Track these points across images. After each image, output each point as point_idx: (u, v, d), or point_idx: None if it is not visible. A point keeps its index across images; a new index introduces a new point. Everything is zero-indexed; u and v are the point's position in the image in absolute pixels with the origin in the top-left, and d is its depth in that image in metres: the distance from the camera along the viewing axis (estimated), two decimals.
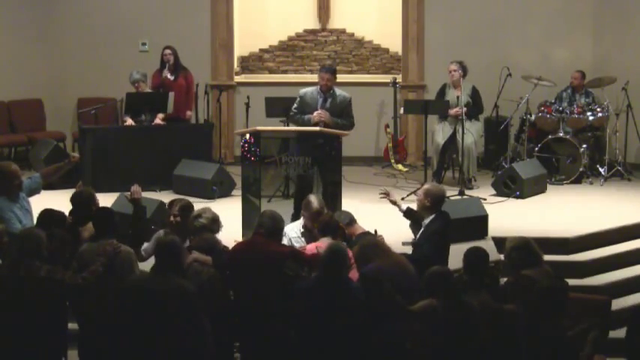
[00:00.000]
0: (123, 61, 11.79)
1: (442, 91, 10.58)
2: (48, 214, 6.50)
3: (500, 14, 11.86)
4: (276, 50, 12.65)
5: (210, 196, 9.70)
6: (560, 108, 10.87)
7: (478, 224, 8.33)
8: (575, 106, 10.93)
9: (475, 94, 10.45)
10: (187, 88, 10.91)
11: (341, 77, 11.82)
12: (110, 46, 12.12)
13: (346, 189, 8.59)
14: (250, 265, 6.12)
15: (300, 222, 7.21)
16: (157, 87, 10.70)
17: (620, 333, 5.93)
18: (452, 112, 10.24)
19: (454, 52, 11.13)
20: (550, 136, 10.76)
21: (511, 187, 9.97)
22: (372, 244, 6.27)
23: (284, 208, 7.72)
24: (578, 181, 10.65)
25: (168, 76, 10.74)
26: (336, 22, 12.58)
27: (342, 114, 8.64)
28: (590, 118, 10.85)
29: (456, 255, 6.48)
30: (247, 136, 8.08)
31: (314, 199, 7.06)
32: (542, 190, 10.24)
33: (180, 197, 7.13)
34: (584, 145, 10.69)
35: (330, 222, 6.68)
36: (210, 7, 12.05)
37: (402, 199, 8.10)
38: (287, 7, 12.58)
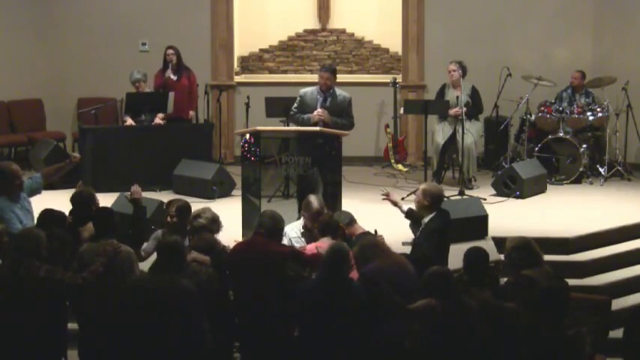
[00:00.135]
0: (123, 61, 11.79)
1: (442, 91, 10.58)
2: (48, 214, 6.50)
3: (500, 14, 11.86)
4: (276, 50, 12.65)
5: (210, 196, 9.70)
6: (560, 108, 10.87)
7: (478, 224, 8.33)
8: (575, 106, 10.93)
9: (475, 94, 10.45)
10: (190, 88, 10.90)
11: (341, 77, 11.82)
12: (110, 46, 12.12)
13: (346, 189, 8.59)
14: (250, 265, 6.12)
15: (300, 222, 7.22)
16: (160, 87, 10.69)
17: (620, 333, 5.93)
18: (451, 112, 10.24)
19: (454, 52, 11.13)
20: (550, 136, 10.76)
21: (511, 187, 9.97)
22: (372, 244, 6.28)
23: (284, 208, 7.72)
24: (578, 181, 10.65)
25: (171, 76, 10.72)
26: (336, 22, 12.58)
27: (342, 114, 8.64)
28: (590, 118, 10.86)
29: (456, 255, 6.49)
30: (247, 136, 8.08)
31: (314, 199, 7.06)
32: (542, 190, 10.24)
33: (178, 198, 7.13)
34: (584, 145, 10.69)
35: (330, 222, 6.68)
36: (210, 6, 12.05)
37: (402, 199, 8.09)
38: (287, 7, 12.58)
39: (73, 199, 6.84)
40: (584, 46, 11.88)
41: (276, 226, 6.30)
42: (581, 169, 10.64)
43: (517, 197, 9.86)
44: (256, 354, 6.20)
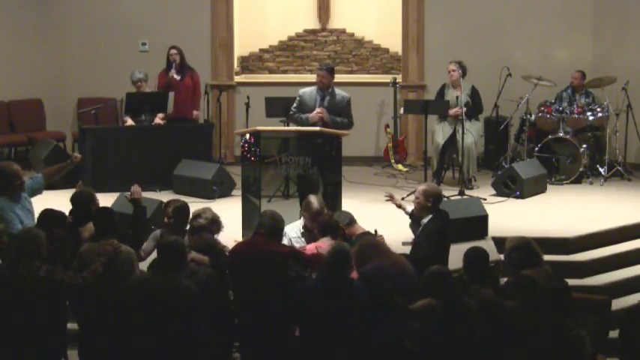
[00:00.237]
0: (123, 61, 11.80)
1: (441, 92, 10.58)
2: (48, 214, 6.50)
3: (500, 14, 11.86)
4: (276, 50, 12.65)
5: (210, 196, 9.70)
6: (560, 108, 10.87)
7: (478, 224, 8.33)
8: (575, 106, 10.93)
9: (474, 94, 10.45)
10: (194, 88, 10.91)
11: (341, 77, 11.87)
12: (110, 46, 12.12)
13: (346, 189, 8.59)
14: (250, 265, 6.12)
15: (300, 222, 7.22)
16: (163, 87, 10.68)
17: None
18: (451, 112, 10.24)
19: (454, 52, 11.13)
20: (550, 136, 10.76)
21: (511, 187, 9.97)
22: (371, 244, 6.28)
23: (284, 208, 7.72)
24: (578, 181, 10.66)
25: (175, 76, 10.72)
26: (336, 22, 12.58)
27: (341, 113, 8.64)
28: (590, 118, 10.85)
29: (456, 255, 6.49)
30: (247, 136, 8.08)
31: (314, 199, 7.07)
32: (542, 190, 10.24)
33: (176, 198, 7.13)
34: (584, 145, 10.69)
35: (329, 222, 6.68)
36: (210, 6, 12.05)
37: (402, 199, 8.10)
38: (287, 7, 12.58)
39: (73, 199, 6.84)
40: (584, 46, 11.88)
41: (276, 226, 6.30)
42: (581, 169, 10.64)
43: (517, 197, 9.86)
44: (256, 354, 6.20)
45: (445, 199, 7.86)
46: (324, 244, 6.41)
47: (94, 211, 6.56)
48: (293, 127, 8.79)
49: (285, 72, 12.57)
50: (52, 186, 7.71)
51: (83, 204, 6.72)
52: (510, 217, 9.10)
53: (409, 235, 7.32)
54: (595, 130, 11.00)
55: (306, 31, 12.62)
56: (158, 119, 10.49)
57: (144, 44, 12.14)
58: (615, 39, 11.72)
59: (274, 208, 6.83)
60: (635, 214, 9.15)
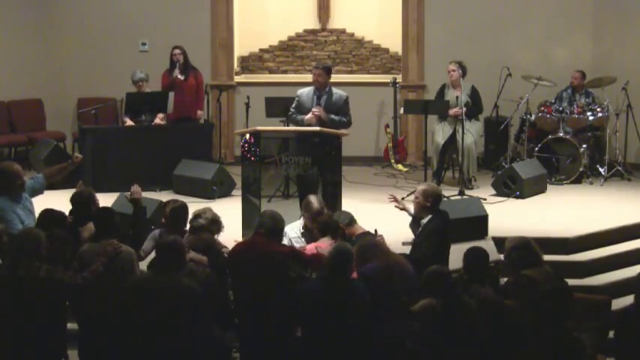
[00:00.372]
0: (123, 61, 11.80)
1: (441, 92, 10.58)
2: (48, 214, 6.51)
3: (500, 14, 11.86)
4: (276, 50, 12.65)
5: (210, 196, 9.69)
6: (560, 108, 10.87)
7: (478, 224, 8.33)
8: (575, 106, 10.93)
9: (474, 94, 10.45)
10: (197, 88, 10.91)
11: (341, 77, 11.89)
12: (110, 46, 12.12)
13: (346, 189, 8.59)
14: (250, 265, 6.12)
15: (300, 222, 7.22)
16: (167, 87, 10.68)
17: None
18: (451, 112, 10.23)
19: (454, 52, 11.13)
20: (550, 136, 10.76)
21: (511, 187, 9.97)
22: (371, 244, 6.28)
23: (284, 208, 7.72)
24: (578, 181, 10.65)
25: (179, 76, 10.71)
26: (336, 22, 12.58)
27: (339, 112, 8.64)
28: (590, 118, 10.85)
29: (456, 255, 6.49)
30: (247, 136, 8.09)
31: (314, 199, 7.07)
32: (542, 190, 10.24)
33: (175, 198, 7.13)
34: (584, 145, 10.69)
35: (329, 222, 6.68)
36: (210, 6, 12.06)
37: (402, 198, 8.10)
38: (287, 7, 12.58)
39: (73, 199, 6.84)
40: (584, 46, 11.88)
41: (276, 226, 6.30)
42: (581, 169, 10.64)
43: (517, 197, 9.86)
44: (256, 354, 6.20)
45: (445, 199, 7.86)
46: (324, 244, 6.41)
47: (95, 211, 6.56)
48: (293, 127, 8.80)
49: (285, 72, 12.58)
50: (52, 186, 7.71)
51: (83, 204, 6.73)
52: (510, 217, 9.10)
53: (409, 235, 7.31)
54: (595, 130, 11.00)
55: (306, 31, 12.62)
56: (158, 119, 10.49)
57: (144, 44, 12.14)
58: (615, 39, 11.72)
59: (274, 208, 6.83)
60: (635, 214, 9.15)
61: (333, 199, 7.85)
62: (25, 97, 12.07)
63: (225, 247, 6.63)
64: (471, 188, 10.19)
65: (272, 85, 11.97)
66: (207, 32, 12.09)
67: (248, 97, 11.49)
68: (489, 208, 8.73)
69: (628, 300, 7.67)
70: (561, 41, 11.90)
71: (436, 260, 6.17)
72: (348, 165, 9.67)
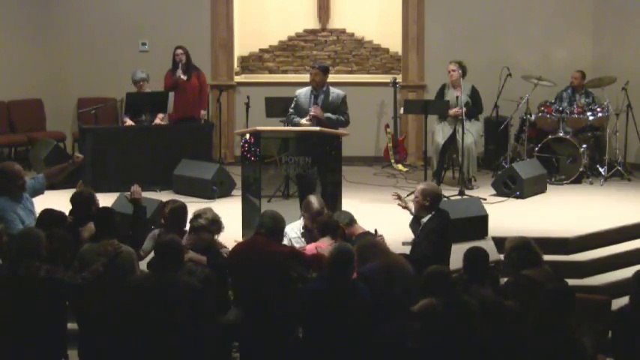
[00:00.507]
0: (123, 61, 11.80)
1: (441, 92, 10.58)
2: (48, 214, 6.50)
3: (500, 14, 11.87)
4: (276, 50, 12.65)
5: (210, 196, 9.69)
6: (560, 108, 10.87)
7: (478, 224, 8.33)
8: (575, 106, 10.93)
9: (474, 94, 10.45)
10: (200, 88, 10.91)
11: (341, 77, 11.89)
12: (110, 46, 12.12)
13: (346, 189, 8.59)
14: (251, 265, 6.12)
15: (300, 222, 7.22)
16: (170, 87, 10.68)
17: None
18: (451, 112, 10.24)
19: (454, 52, 11.13)
20: (550, 136, 10.76)
21: (511, 187, 9.97)
22: (371, 244, 6.27)
23: (284, 208, 7.72)
24: (578, 181, 10.65)
25: (182, 76, 10.71)
26: (336, 22, 12.58)
27: (336, 111, 8.64)
28: (590, 118, 10.86)
29: (456, 255, 6.49)
30: (247, 136, 8.09)
31: (314, 199, 7.07)
32: (542, 190, 10.24)
33: (174, 199, 7.13)
34: (584, 145, 10.69)
35: (329, 222, 6.68)
36: (210, 6, 12.06)
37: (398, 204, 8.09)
38: (287, 7, 12.58)
39: (73, 199, 6.84)
40: (583, 46, 11.88)
41: (276, 226, 6.29)
42: (581, 169, 10.64)
43: (517, 197, 9.86)
44: (256, 354, 6.20)
45: (445, 199, 7.85)
46: (324, 244, 6.41)
47: (95, 211, 6.56)
48: (293, 128, 8.80)
49: (285, 72, 12.58)
50: (52, 186, 7.71)
51: (83, 204, 6.72)
52: (510, 217, 9.10)
53: (409, 235, 7.31)
54: (595, 130, 11.00)
55: (306, 31, 12.62)
56: (158, 119, 10.49)
57: (144, 44, 12.14)
58: (615, 39, 11.72)
59: (274, 208, 6.83)
60: (635, 214, 9.15)
61: (333, 199, 7.85)
62: (25, 97, 12.07)
63: (225, 247, 6.63)
64: (471, 188, 10.19)
65: (272, 85, 11.97)
66: (207, 32, 12.09)
67: (248, 97, 11.49)
68: (489, 208, 8.73)
69: (628, 300, 7.71)
70: (561, 41, 11.90)
71: (436, 260, 6.17)
72: (348, 165, 9.67)
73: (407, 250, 7.05)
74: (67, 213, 6.69)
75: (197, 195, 9.59)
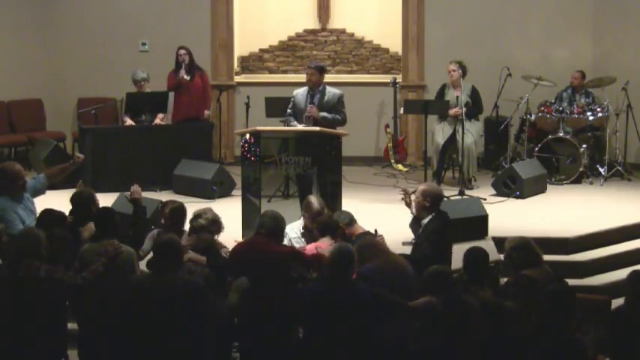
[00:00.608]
0: (123, 61, 11.81)
1: (441, 92, 10.58)
2: (48, 214, 6.51)
3: (500, 14, 11.87)
4: (276, 50, 12.66)
5: (210, 196, 9.69)
6: (560, 108, 10.87)
7: (478, 224, 8.33)
8: (575, 106, 10.93)
9: (475, 94, 10.45)
10: (204, 88, 10.92)
11: (341, 77, 11.90)
12: (110, 46, 12.12)
13: (346, 189, 8.59)
14: (251, 265, 6.12)
15: (300, 222, 7.22)
16: (174, 88, 10.67)
17: None
18: (451, 112, 10.24)
19: (454, 52, 11.13)
20: (550, 136, 10.76)
21: (511, 187, 9.97)
22: (370, 244, 6.28)
23: (284, 208, 7.72)
24: (578, 181, 10.66)
25: (185, 76, 10.71)
26: (336, 22, 12.58)
27: (332, 110, 8.66)
28: (590, 118, 10.86)
29: (456, 255, 6.49)
30: (247, 136, 8.09)
31: (314, 200, 7.07)
32: (542, 190, 10.24)
33: (173, 199, 7.13)
34: (584, 145, 10.69)
35: (329, 222, 6.68)
36: (210, 7, 12.06)
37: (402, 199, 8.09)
38: (287, 7, 12.58)
39: (73, 199, 6.84)
40: (583, 46, 11.88)
41: (277, 226, 6.29)
42: (581, 169, 10.64)
43: (517, 197, 9.86)
44: (256, 354, 6.20)
45: (445, 199, 7.85)
46: (324, 244, 6.41)
47: (95, 211, 6.56)
48: (292, 128, 8.80)
49: (285, 72, 12.58)
50: (52, 186, 7.71)
51: (83, 204, 6.72)
52: (510, 217, 9.10)
53: (409, 235, 7.32)
54: (595, 130, 11.00)
55: (306, 31, 12.62)
56: (158, 119, 10.49)
57: (144, 44, 12.14)
58: (615, 39, 11.72)
59: (274, 208, 6.83)
60: (635, 214, 9.16)
61: (333, 199, 7.85)
62: (25, 97, 12.07)
63: (225, 248, 6.62)
64: (471, 188, 10.19)
65: (272, 85, 11.97)
66: (207, 32, 12.09)
67: (248, 97, 11.49)
68: (489, 208, 8.73)
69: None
70: (561, 41, 11.90)
71: (436, 261, 6.17)
72: (348, 165, 9.67)
73: (407, 250, 7.06)
74: (67, 213, 6.69)
75: (197, 195, 9.59)
